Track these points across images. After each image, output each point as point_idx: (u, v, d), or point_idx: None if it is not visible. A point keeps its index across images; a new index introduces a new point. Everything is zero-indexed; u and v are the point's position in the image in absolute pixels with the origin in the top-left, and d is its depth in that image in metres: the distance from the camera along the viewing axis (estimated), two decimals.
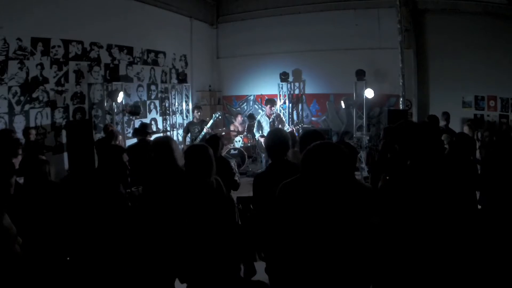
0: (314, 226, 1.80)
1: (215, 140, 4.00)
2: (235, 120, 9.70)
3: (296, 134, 8.21)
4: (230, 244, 2.70)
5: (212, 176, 2.79)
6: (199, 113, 7.28)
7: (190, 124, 7.37)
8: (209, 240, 2.60)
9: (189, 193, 2.69)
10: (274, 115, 7.52)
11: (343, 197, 1.79)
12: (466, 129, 6.45)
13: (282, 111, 9.86)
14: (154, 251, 2.62)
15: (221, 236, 2.64)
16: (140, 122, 7.91)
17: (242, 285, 2.76)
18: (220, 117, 7.78)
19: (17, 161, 3.64)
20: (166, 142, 3.17)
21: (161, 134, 7.55)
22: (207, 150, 2.80)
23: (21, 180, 3.00)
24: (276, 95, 10.08)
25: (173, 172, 2.97)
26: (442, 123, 6.89)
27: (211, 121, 7.03)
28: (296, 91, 10.37)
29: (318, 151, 1.85)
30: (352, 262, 1.78)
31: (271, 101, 7.74)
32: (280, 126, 7.41)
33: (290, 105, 10.21)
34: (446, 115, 6.98)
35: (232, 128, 9.51)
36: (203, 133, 6.96)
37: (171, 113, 9.46)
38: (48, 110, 6.37)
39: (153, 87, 8.92)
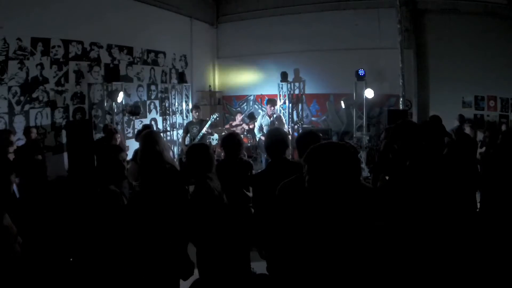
0: (318, 228, 1.78)
1: (234, 140, 3.71)
2: (235, 119, 9.70)
3: (296, 134, 8.25)
4: (238, 241, 2.71)
5: (212, 173, 2.81)
6: (197, 113, 7.26)
7: (189, 124, 7.36)
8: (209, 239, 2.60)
9: (188, 191, 2.72)
10: (275, 115, 7.55)
11: (348, 199, 1.76)
12: (467, 130, 6.49)
13: (282, 111, 9.87)
14: (151, 249, 2.62)
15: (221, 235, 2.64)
16: (141, 123, 7.93)
17: (246, 278, 2.77)
18: (218, 118, 7.78)
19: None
20: (148, 134, 3.19)
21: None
22: (208, 149, 2.85)
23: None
24: (276, 95, 10.08)
25: (159, 164, 2.98)
26: (456, 123, 7.03)
27: (208, 122, 7.03)
28: (296, 91, 10.37)
29: (325, 150, 1.78)
30: (354, 264, 1.77)
31: (271, 101, 7.78)
32: (280, 125, 7.47)
33: (290, 105, 10.21)
34: (461, 118, 7.13)
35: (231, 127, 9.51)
36: (201, 134, 6.95)
37: (171, 113, 9.46)
38: (48, 110, 6.37)
39: (153, 87, 8.92)
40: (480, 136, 6.94)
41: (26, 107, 6.00)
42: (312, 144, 1.88)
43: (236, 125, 9.32)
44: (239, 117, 9.58)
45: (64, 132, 6.50)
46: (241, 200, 3.48)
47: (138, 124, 8.24)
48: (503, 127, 7.48)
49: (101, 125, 7.17)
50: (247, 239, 2.85)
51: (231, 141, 3.68)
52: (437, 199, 2.06)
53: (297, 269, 1.86)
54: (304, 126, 9.75)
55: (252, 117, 9.27)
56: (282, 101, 10.11)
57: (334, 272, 1.76)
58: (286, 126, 8.30)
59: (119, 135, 6.32)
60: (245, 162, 3.78)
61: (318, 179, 1.72)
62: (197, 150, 2.86)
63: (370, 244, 1.77)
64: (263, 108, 10.45)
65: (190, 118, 8.58)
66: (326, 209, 1.74)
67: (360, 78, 8.93)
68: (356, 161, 1.80)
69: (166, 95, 9.33)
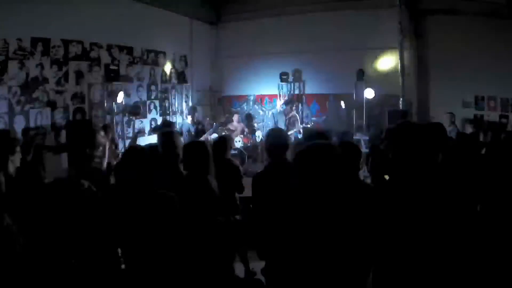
0: (314, 229, 1.78)
1: (222, 142, 4.04)
2: (232, 120, 9.62)
3: (296, 135, 8.25)
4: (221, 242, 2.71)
5: (211, 172, 2.82)
6: (194, 115, 7.28)
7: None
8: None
9: (187, 188, 2.71)
10: (291, 115, 7.76)
11: (341, 199, 1.77)
12: (468, 130, 6.47)
13: (281, 110, 9.87)
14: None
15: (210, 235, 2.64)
16: (141, 123, 7.94)
17: (237, 284, 2.76)
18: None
19: (14, 158, 3.67)
20: (169, 132, 3.22)
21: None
22: (205, 146, 2.88)
23: None
24: (276, 95, 10.08)
25: (174, 164, 2.99)
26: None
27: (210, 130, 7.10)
28: (296, 91, 10.36)
29: (309, 153, 1.80)
30: (351, 265, 1.77)
31: (291, 101, 8.39)
32: (294, 124, 7.95)
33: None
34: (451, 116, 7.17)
35: (230, 127, 9.45)
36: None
37: (171, 113, 9.46)
38: (48, 110, 6.37)
39: (153, 87, 8.92)
40: (481, 137, 6.91)
41: (26, 107, 6.00)
42: None
43: (235, 128, 9.23)
44: (235, 118, 9.51)
45: (64, 132, 6.50)
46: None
47: (138, 124, 8.25)
48: None
49: (101, 125, 7.17)
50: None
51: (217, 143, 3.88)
52: (437, 200, 2.06)
53: (295, 272, 1.86)
54: (305, 126, 9.73)
55: (250, 118, 9.24)
56: (282, 101, 10.11)
57: (331, 273, 1.76)
58: (298, 125, 8.40)
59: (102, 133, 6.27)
60: (232, 163, 3.87)
61: (307, 182, 1.73)
62: (195, 147, 2.90)
63: (367, 244, 1.77)
64: (262, 108, 10.47)
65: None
66: (320, 211, 1.74)
67: (360, 78, 8.93)
68: (340, 160, 1.79)
69: (166, 95, 9.33)
